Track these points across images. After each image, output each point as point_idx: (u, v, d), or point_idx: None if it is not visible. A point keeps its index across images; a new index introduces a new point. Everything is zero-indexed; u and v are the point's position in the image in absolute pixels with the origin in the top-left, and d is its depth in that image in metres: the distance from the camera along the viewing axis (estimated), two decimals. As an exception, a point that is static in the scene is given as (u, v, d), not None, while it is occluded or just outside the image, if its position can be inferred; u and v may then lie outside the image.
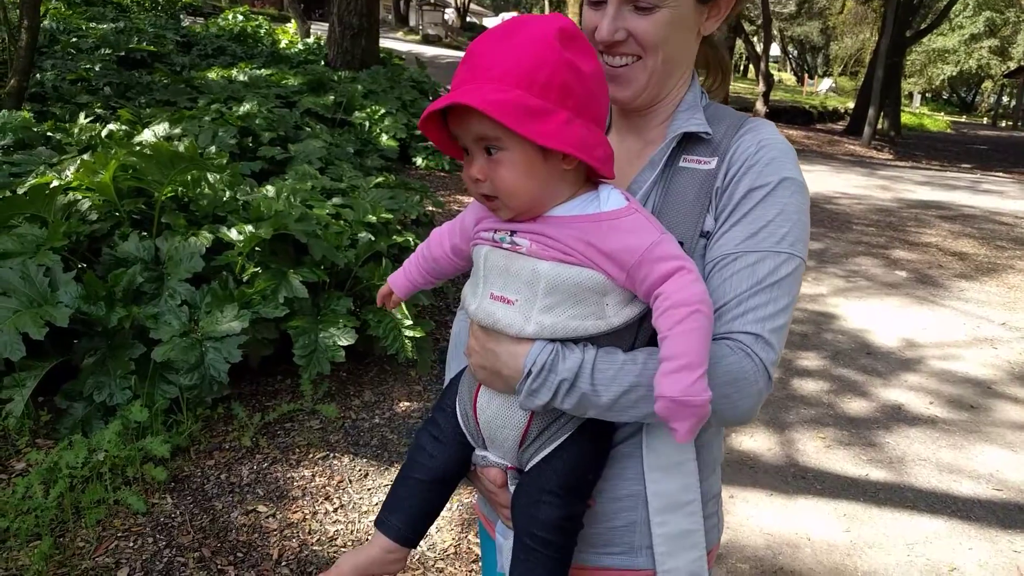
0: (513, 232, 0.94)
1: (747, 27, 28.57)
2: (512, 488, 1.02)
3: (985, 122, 40.49)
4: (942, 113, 41.49)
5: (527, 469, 0.99)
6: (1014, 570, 2.79)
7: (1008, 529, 3.03)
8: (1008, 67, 41.99)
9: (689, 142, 1.04)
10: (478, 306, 0.96)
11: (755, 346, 0.91)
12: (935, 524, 3.04)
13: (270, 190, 3.99)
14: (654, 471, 1.00)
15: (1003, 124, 37.28)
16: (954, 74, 44.87)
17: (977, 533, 3.00)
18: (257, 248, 3.40)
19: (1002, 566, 2.81)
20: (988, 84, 48.08)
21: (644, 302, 0.91)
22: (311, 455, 3.12)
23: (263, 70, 9.09)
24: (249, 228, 3.39)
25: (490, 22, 44.69)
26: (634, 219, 0.89)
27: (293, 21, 16.06)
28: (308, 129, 6.39)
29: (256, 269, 3.36)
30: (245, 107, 5.99)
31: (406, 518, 1.04)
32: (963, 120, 40.58)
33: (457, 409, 1.05)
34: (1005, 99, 43.12)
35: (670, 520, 1.01)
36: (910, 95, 42.10)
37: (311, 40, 13.83)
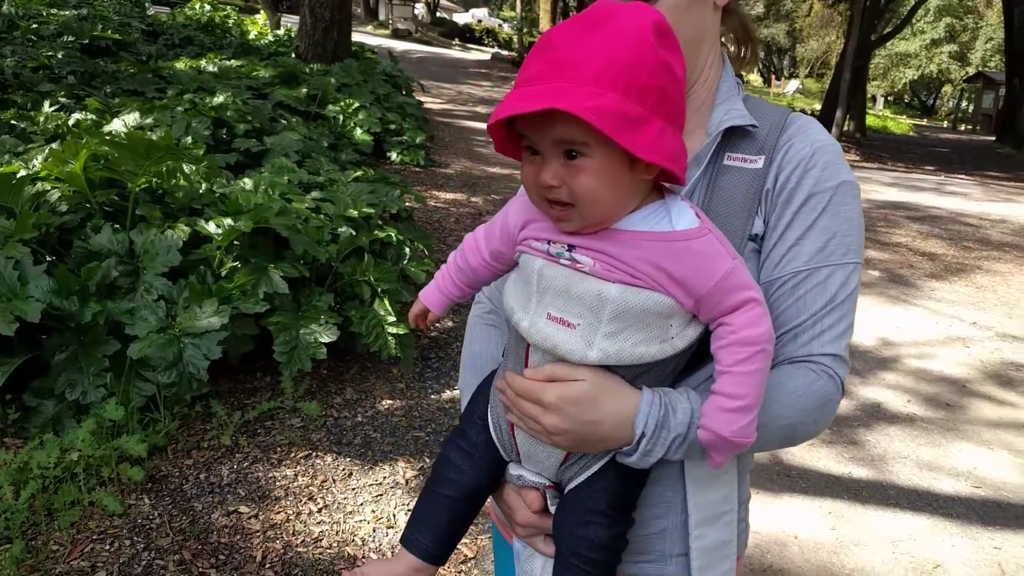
0: (571, 247, 0.85)
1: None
2: (552, 507, 0.96)
3: (945, 125, 41.43)
4: (904, 116, 42.39)
5: (570, 487, 0.94)
6: (996, 567, 2.82)
7: (988, 526, 3.07)
8: (967, 72, 43.06)
9: (732, 137, 0.99)
10: (531, 325, 0.87)
11: (835, 366, 0.92)
12: (918, 522, 3.07)
13: (248, 183, 3.89)
14: (696, 481, 0.96)
15: (962, 128, 38.17)
16: (915, 78, 45.88)
17: (959, 530, 3.03)
18: (236, 242, 3.31)
19: (984, 563, 2.84)
20: (948, 88, 49.25)
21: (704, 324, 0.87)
22: (293, 454, 3.04)
23: (232, 61, 8.90)
24: (228, 221, 3.29)
25: (460, 17, 44.47)
26: (707, 241, 0.83)
27: (262, 12, 15.80)
28: (283, 122, 6.26)
29: (235, 263, 3.27)
30: (219, 98, 5.85)
31: (434, 536, 0.99)
32: (924, 123, 41.49)
33: (489, 420, 0.99)
34: (964, 103, 44.16)
35: (708, 532, 0.98)
36: (873, 98, 42.94)
37: (281, 32, 13.62)
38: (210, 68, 8.00)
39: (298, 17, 11.10)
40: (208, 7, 15.17)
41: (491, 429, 0.98)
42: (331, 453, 3.09)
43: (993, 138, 23.10)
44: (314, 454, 3.06)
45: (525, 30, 27.33)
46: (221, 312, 3.00)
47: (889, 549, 2.87)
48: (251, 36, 13.25)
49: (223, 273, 3.25)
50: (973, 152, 22.95)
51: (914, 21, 35.78)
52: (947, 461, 3.58)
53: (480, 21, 42.45)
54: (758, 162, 0.96)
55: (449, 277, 1.05)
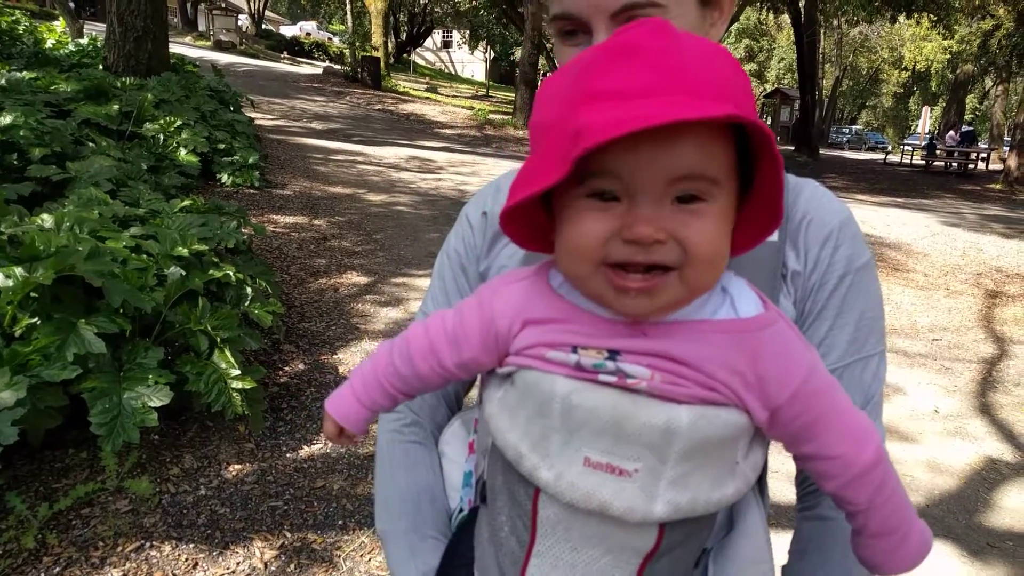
0: (615, 353, 0.60)
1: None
2: None
3: (751, 137, 45.19)
4: (716, 129, 45.83)
5: None
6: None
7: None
8: (765, 89, 47.33)
9: None
10: (560, 476, 0.62)
11: None
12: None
13: (47, 220, 3.28)
14: None
15: (767, 139, 41.83)
16: (724, 94, 49.81)
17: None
18: (34, 295, 2.74)
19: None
20: (752, 103, 53.86)
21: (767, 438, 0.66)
22: (120, 548, 2.53)
23: (25, 73, 7.81)
24: (20, 271, 2.72)
25: (288, 30, 42.90)
26: (780, 331, 0.62)
27: (61, 19, 14.22)
28: (91, 144, 5.49)
29: (34, 321, 2.70)
30: (6, 118, 5.01)
31: None
32: (734, 135, 45.05)
33: None
34: (765, 117, 48.52)
35: None
36: (689, 112, 46.04)
37: (85, 41, 12.26)
38: (-3, 81, 6.94)
39: (104, 25, 10.02)
40: (-9, 12, 13.38)
41: None
42: (169, 540, 2.60)
43: (793, 148, 25.36)
44: (148, 544, 2.57)
45: (357, 44, 26.67)
46: (15, 384, 2.44)
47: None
48: (48, 45, 11.81)
49: (17, 333, 2.67)
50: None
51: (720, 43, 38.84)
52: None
53: (309, 34, 41.11)
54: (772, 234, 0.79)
55: (378, 383, 0.74)
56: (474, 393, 0.89)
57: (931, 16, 23.42)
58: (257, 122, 11.74)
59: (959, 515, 3.30)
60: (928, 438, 4.04)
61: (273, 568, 2.53)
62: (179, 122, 7.11)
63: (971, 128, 27.25)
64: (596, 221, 0.56)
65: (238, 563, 2.54)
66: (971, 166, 23.80)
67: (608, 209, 0.56)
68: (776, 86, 44.77)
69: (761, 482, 0.84)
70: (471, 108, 21.76)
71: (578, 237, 0.57)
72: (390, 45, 30.07)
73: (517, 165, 0.89)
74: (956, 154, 23.34)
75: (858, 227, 0.85)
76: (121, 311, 2.92)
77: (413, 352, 0.72)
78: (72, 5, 14.21)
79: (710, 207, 0.56)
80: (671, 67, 0.54)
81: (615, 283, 0.57)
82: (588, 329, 0.61)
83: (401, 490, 0.90)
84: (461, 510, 0.85)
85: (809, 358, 0.62)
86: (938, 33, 29.12)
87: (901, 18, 25.67)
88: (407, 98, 22.70)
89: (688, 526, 0.65)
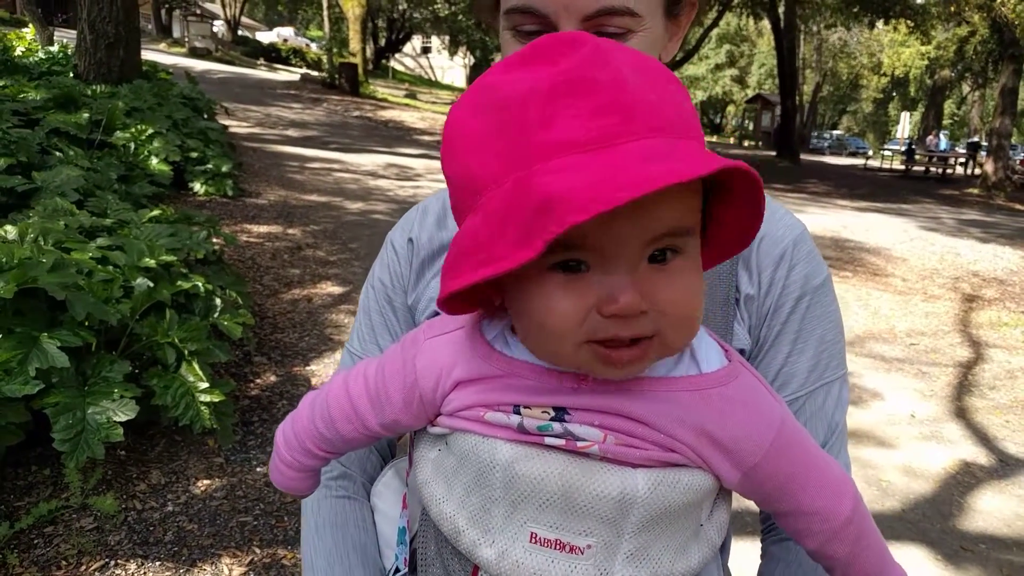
0: (563, 412, 0.53)
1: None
2: None
3: (732, 142, 45.54)
4: (697, 134, 46.10)
5: None
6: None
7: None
8: (746, 94, 47.78)
9: None
10: (502, 555, 0.55)
11: None
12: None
13: (11, 231, 3.21)
14: None
15: (747, 144, 42.07)
16: (704, 99, 50.22)
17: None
18: (-6, 308, 2.67)
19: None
20: (732, 108, 54.30)
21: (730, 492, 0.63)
22: (84, 566, 2.47)
23: (-6, 81, 7.70)
24: (-19, 283, 2.65)
25: (265, 36, 42.67)
26: (747, 383, 0.57)
27: (31, 26, 14.03)
28: (59, 153, 5.40)
29: (-6, 335, 2.63)
30: (-29, 126, 4.92)
31: None
32: (715, 140, 45.33)
33: None
34: (746, 122, 48.88)
35: None
36: (669, 118, 46.40)
37: (55, 48, 12.11)
38: (-37, 90, 6.83)
39: (76, 32, 9.89)
40: (-38, 19, 13.18)
41: None
42: (135, 558, 2.54)
43: (774, 153, 25.56)
44: (112, 563, 2.51)
45: (335, 50, 26.57)
46: (-25, 401, 2.38)
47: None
48: (17, 53, 11.65)
49: (-23, 348, 2.60)
50: (759, 167, 25.31)
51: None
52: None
53: (286, 40, 41.00)
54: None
55: (302, 447, 0.67)
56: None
57: (908, 22, 23.73)
58: (232, 130, 11.65)
59: (934, 519, 3.31)
60: (904, 442, 4.05)
61: (241, 586, 2.48)
62: (151, 130, 7.02)
63: (976, 140, 27.70)
64: (568, 299, 0.48)
65: (205, 581, 2.49)
66: (950, 171, 24.16)
67: (577, 281, 0.48)
68: (757, 91, 45.21)
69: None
70: (451, 114, 21.69)
71: (549, 317, 0.49)
72: (368, 51, 30.00)
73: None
74: (936, 159, 23.71)
75: (811, 242, 0.80)
76: (86, 324, 2.86)
77: (335, 415, 0.65)
78: (39, 11, 14.02)
79: (684, 261, 0.50)
80: (627, 101, 0.46)
81: (604, 357, 0.49)
82: (530, 384, 0.55)
83: (328, 551, 0.82)
84: (397, 570, 0.77)
85: (778, 408, 0.58)
86: (916, 39, 29.51)
87: (879, 24, 25.98)
88: (385, 104, 22.64)
89: None
